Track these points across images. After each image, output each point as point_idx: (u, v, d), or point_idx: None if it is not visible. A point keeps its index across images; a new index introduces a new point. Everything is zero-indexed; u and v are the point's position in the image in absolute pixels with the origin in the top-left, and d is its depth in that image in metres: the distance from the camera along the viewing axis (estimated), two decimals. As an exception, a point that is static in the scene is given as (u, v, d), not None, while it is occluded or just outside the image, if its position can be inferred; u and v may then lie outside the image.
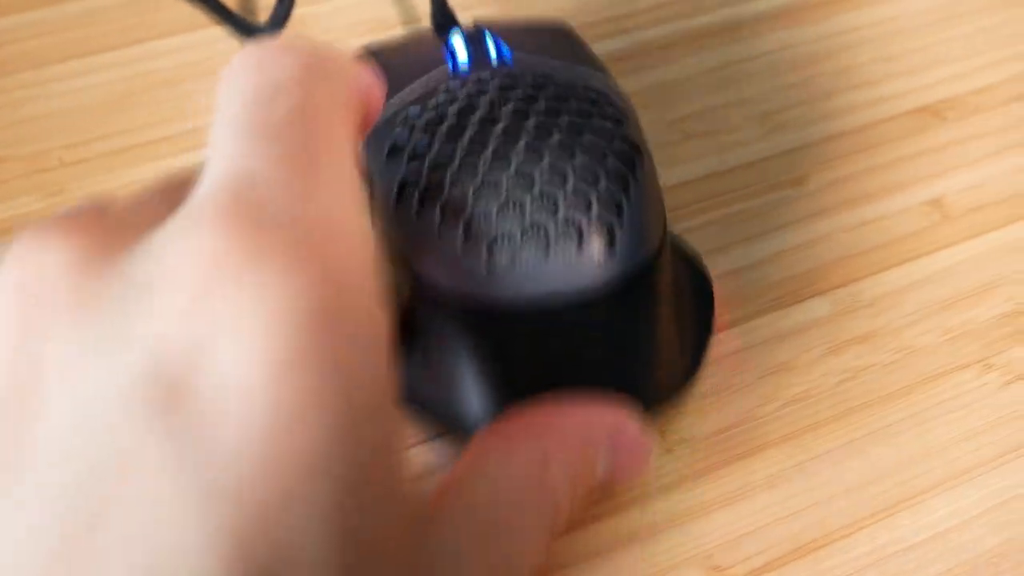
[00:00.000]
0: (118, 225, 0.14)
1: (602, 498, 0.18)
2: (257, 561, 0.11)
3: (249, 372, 0.11)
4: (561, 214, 0.20)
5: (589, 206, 0.20)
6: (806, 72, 0.32)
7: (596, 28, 0.33)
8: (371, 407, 0.12)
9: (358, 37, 0.33)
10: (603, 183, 0.20)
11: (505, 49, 0.24)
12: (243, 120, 0.14)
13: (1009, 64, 0.32)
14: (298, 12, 0.33)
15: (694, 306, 0.23)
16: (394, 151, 0.21)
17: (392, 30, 0.33)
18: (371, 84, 0.16)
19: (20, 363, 0.12)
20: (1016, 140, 0.29)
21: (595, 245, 0.20)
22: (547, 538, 0.16)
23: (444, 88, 0.23)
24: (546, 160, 0.20)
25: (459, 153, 0.21)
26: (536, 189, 0.20)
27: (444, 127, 0.21)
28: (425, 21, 0.33)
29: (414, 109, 0.22)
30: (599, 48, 0.32)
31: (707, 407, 0.23)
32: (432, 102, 0.22)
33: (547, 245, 0.20)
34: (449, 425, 0.21)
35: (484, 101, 0.22)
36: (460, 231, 0.20)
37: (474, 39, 0.25)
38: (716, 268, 0.26)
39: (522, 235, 0.20)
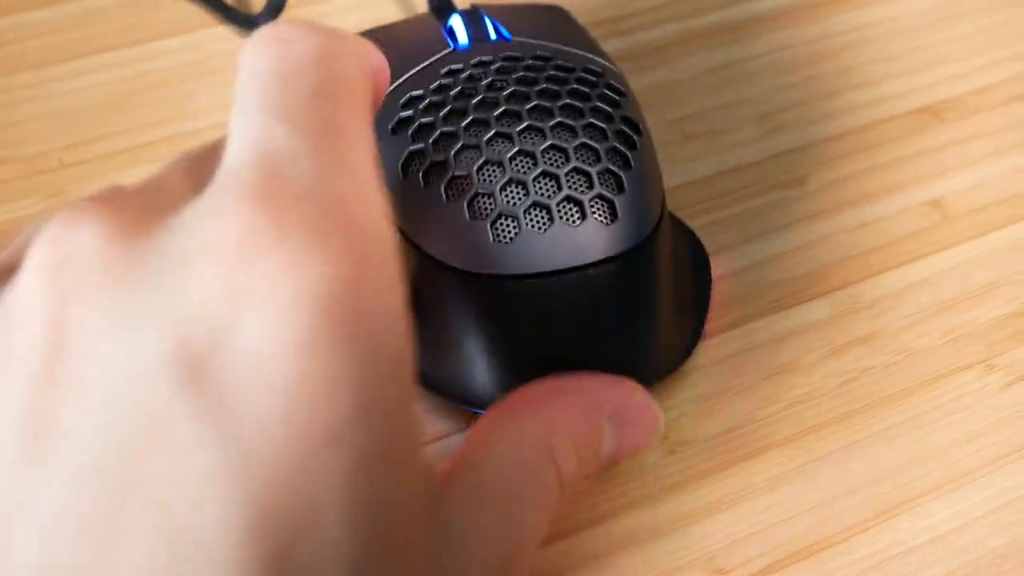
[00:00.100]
0: (145, 204, 0.14)
1: (611, 465, 0.19)
2: (275, 533, 0.11)
3: (273, 349, 0.12)
4: (563, 191, 0.20)
5: (590, 183, 0.21)
6: (806, 72, 0.32)
7: (596, 28, 0.33)
8: (392, 381, 0.13)
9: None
10: (603, 161, 0.21)
11: (504, 30, 0.25)
12: (267, 96, 0.14)
13: (1009, 64, 0.32)
14: (299, 11, 0.33)
15: (692, 280, 0.24)
16: (397, 130, 0.22)
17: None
18: (381, 64, 0.17)
19: (52, 336, 0.12)
20: (1016, 140, 0.29)
21: (596, 221, 0.20)
22: (552, 512, 0.16)
23: (446, 68, 0.23)
24: (548, 139, 0.21)
25: (462, 132, 0.21)
26: (538, 167, 0.20)
27: (447, 107, 0.22)
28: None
29: (416, 89, 0.23)
30: (599, 48, 0.32)
31: (709, 409, 0.23)
32: (435, 83, 0.22)
33: (550, 222, 0.20)
34: (454, 401, 0.22)
35: (485, 81, 0.22)
36: (464, 209, 0.20)
37: (473, 20, 0.25)
38: (716, 269, 0.26)
39: (525, 212, 0.20)
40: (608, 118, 0.22)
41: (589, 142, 0.21)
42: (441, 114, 0.21)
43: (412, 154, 0.21)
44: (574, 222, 0.20)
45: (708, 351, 0.24)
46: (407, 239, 0.22)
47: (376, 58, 0.16)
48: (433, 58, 0.24)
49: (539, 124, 0.21)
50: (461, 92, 0.22)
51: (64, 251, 0.13)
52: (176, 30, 0.33)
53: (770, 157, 0.29)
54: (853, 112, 0.30)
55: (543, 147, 0.21)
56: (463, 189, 0.21)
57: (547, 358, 0.21)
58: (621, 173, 0.21)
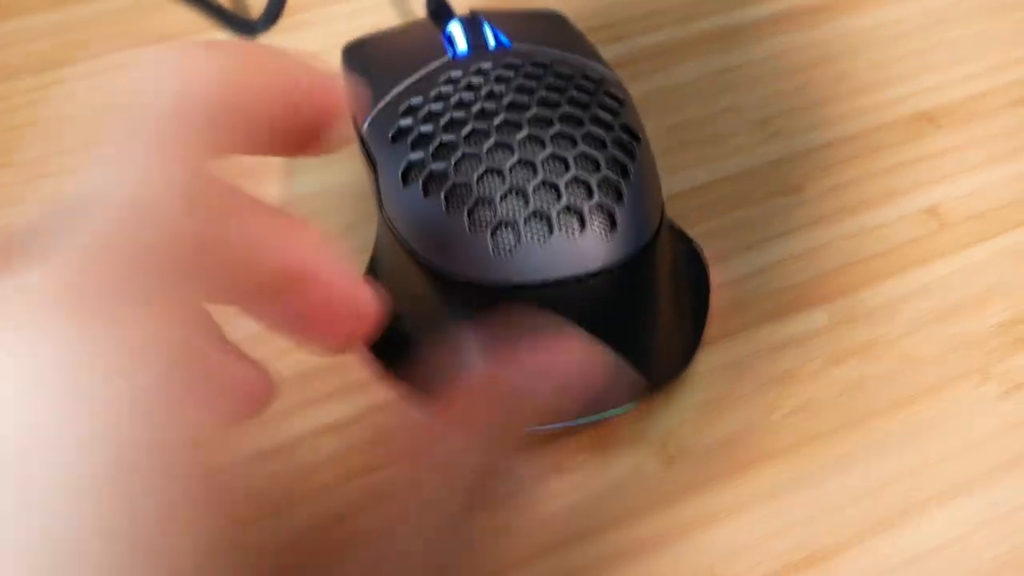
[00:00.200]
0: None
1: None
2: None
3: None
4: (563, 200, 0.20)
5: (590, 192, 0.21)
6: (804, 78, 0.32)
7: (594, 34, 0.33)
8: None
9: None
10: (603, 169, 0.21)
11: (502, 37, 0.25)
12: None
13: (1006, 69, 0.32)
14: (297, 17, 0.33)
15: (691, 288, 0.24)
16: (397, 139, 0.22)
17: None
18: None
19: None
20: (1013, 146, 0.30)
21: (596, 230, 0.21)
22: (474, 509, 0.14)
23: (445, 76, 0.23)
24: (547, 148, 0.21)
25: (462, 142, 0.21)
26: (538, 176, 0.21)
27: (447, 115, 0.22)
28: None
29: (416, 97, 0.23)
30: (598, 54, 0.32)
31: (709, 417, 0.23)
32: (434, 91, 0.22)
33: (549, 231, 0.20)
34: None
35: (485, 90, 0.22)
36: (464, 218, 0.20)
37: (472, 27, 0.25)
38: (716, 277, 0.26)
39: (525, 221, 0.20)
40: (607, 127, 0.22)
41: (588, 151, 0.21)
42: (441, 123, 0.22)
43: (412, 163, 0.21)
44: (573, 232, 0.20)
45: (707, 359, 0.24)
46: (407, 249, 0.22)
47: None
48: (432, 66, 0.24)
49: (539, 133, 0.21)
50: (460, 101, 0.22)
51: None
52: (175, 34, 0.32)
53: (768, 163, 0.29)
54: (851, 117, 0.30)
55: (543, 156, 0.21)
56: (463, 198, 0.21)
57: None
58: (620, 182, 0.21)
